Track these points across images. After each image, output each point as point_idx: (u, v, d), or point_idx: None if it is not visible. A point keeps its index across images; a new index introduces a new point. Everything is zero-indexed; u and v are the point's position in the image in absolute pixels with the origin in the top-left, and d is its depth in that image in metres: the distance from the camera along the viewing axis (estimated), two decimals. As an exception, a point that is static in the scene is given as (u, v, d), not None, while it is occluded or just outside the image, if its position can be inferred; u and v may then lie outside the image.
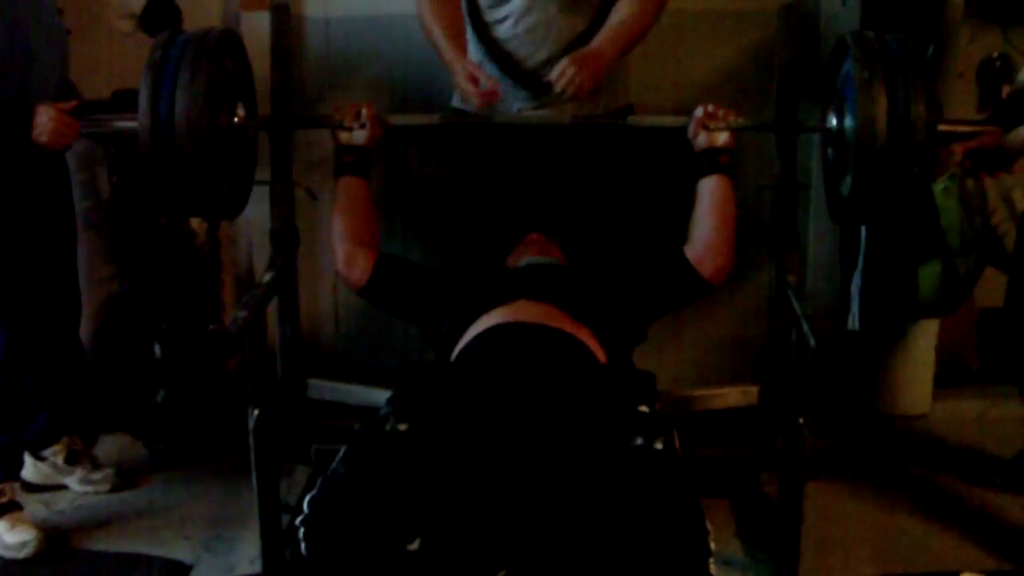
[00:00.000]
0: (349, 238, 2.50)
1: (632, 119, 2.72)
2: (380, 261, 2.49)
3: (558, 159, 2.74)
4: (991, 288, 3.22)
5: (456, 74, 2.57)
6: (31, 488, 2.94)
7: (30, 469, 2.94)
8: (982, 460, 3.07)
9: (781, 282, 2.62)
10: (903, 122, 2.25)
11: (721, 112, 2.47)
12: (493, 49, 2.69)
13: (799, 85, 2.73)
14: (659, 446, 1.83)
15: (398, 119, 2.53)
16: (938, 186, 2.90)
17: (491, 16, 2.68)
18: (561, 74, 2.50)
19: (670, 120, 2.62)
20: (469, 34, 2.69)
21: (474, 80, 2.52)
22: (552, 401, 1.92)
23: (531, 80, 2.67)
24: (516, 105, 2.71)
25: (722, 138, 2.46)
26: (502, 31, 2.67)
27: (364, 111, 2.49)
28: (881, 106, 2.25)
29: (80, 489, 2.96)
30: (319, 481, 1.79)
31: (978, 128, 2.57)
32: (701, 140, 2.47)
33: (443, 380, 2.09)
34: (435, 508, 1.72)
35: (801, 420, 2.38)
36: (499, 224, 2.71)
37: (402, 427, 1.84)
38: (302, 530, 1.74)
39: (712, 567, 1.71)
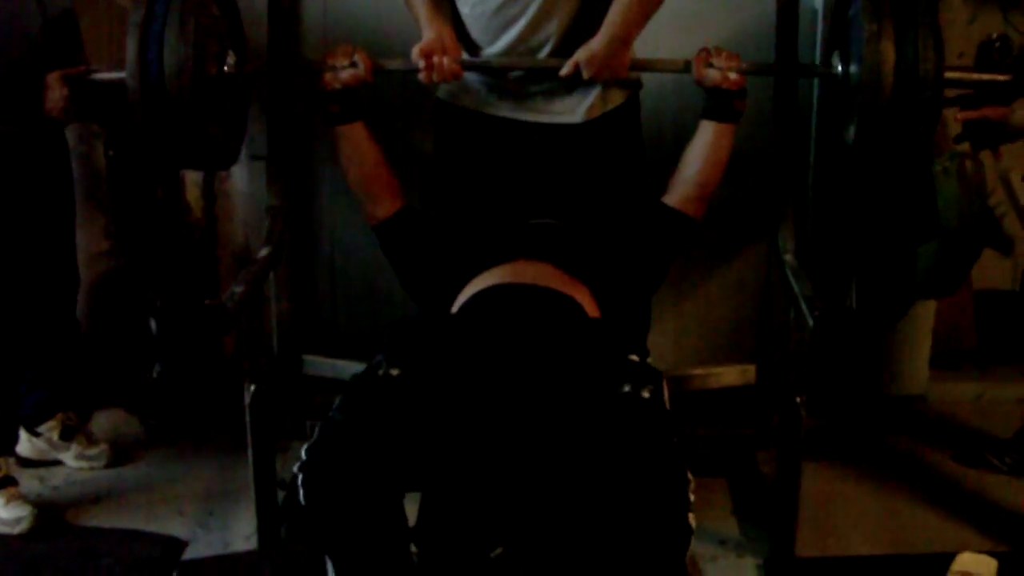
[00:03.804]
0: (366, 185, 2.43)
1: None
2: (403, 210, 2.43)
3: (561, 148, 2.64)
4: (988, 270, 3.23)
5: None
6: (26, 463, 2.94)
7: (25, 444, 2.94)
8: (979, 441, 3.07)
9: (779, 261, 2.61)
10: (911, 65, 2.19)
11: (724, 54, 2.38)
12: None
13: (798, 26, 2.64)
14: (646, 395, 1.84)
15: (392, 64, 2.46)
16: (937, 167, 2.89)
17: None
18: (589, 63, 2.38)
19: (664, 62, 2.52)
20: None
21: (427, 55, 2.38)
22: (540, 349, 1.94)
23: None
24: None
25: (733, 75, 2.36)
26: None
27: (358, 55, 2.38)
28: (889, 49, 2.19)
29: (75, 465, 2.96)
30: (316, 429, 1.81)
31: (985, 77, 2.54)
32: (712, 76, 2.36)
33: (433, 329, 2.10)
34: (427, 450, 1.77)
35: (798, 400, 2.39)
36: (494, 212, 2.64)
37: (394, 372, 1.87)
38: (301, 476, 1.76)
39: (691, 520, 1.72)
